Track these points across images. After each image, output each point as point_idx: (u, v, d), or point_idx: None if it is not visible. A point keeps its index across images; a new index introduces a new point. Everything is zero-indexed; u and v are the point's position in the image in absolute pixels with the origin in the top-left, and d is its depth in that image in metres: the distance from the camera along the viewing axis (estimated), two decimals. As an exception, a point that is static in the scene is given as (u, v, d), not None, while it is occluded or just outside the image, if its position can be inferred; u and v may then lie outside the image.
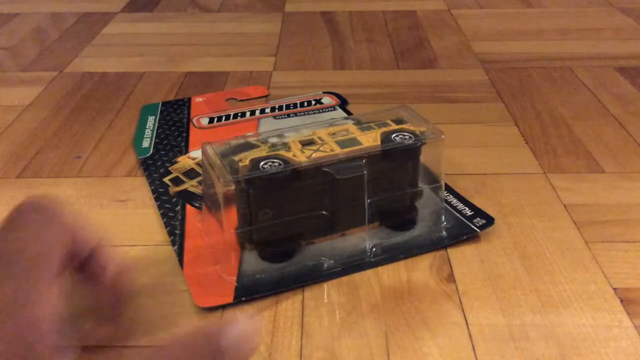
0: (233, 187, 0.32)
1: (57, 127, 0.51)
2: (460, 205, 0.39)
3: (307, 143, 0.34)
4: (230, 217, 0.33)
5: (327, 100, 0.54)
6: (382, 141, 0.34)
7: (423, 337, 0.30)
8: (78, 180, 0.43)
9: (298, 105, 0.53)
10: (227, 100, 0.54)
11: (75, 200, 0.40)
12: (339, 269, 0.34)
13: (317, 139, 0.35)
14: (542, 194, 0.41)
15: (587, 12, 0.76)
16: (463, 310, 0.32)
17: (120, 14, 0.79)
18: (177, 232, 0.37)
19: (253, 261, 0.34)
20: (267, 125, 0.50)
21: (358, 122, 0.37)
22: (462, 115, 0.51)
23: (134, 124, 0.51)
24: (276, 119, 0.50)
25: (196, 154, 0.44)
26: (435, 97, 0.55)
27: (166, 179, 0.42)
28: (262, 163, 0.32)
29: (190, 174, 0.43)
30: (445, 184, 0.38)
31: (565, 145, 0.47)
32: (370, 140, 0.34)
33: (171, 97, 0.55)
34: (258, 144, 0.35)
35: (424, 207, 0.37)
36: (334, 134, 0.35)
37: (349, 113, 0.51)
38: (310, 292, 0.33)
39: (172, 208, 0.39)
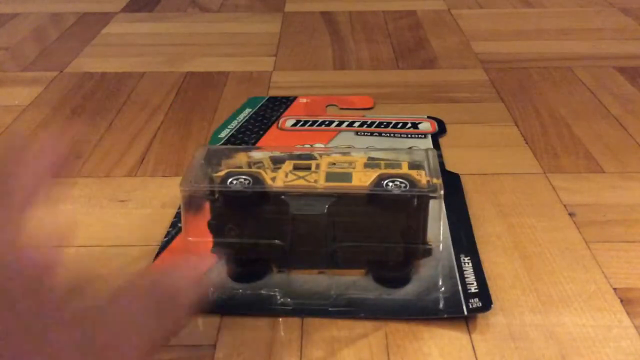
0: (185, 194, 0.31)
1: (57, 127, 0.51)
2: (471, 277, 0.33)
3: (302, 168, 0.32)
4: (189, 222, 0.32)
5: (424, 125, 0.50)
6: (373, 184, 0.31)
7: (423, 337, 0.30)
8: (78, 180, 0.43)
9: (391, 125, 0.49)
10: (327, 106, 0.53)
11: (75, 200, 0.40)
12: (290, 307, 0.32)
13: (315, 165, 0.33)
14: (542, 194, 0.41)
15: (587, 12, 0.76)
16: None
17: (120, 14, 0.79)
18: (171, 231, 0.37)
19: (215, 273, 0.33)
20: (342, 139, 0.47)
21: (372, 159, 0.34)
22: (462, 115, 0.51)
23: (134, 124, 0.51)
24: (357, 135, 0.48)
25: (257, 154, 0.42)
26: (435, 97, 0.55)
27: (216, 175, 0.41)
28: (233, 178, 0.31)
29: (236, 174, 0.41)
30: (471, 247, 0.35)
31: (565, 145, 0.47)
32: (362, 179, 0.31)
33: (171, 98, 0.55)
34: (285, 158, 0.34)
35: (427, 266, 0.33)
36: (334, 163, 0.33)
37: (437, 146, 0.47)
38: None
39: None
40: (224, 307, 0.32)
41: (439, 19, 0.75)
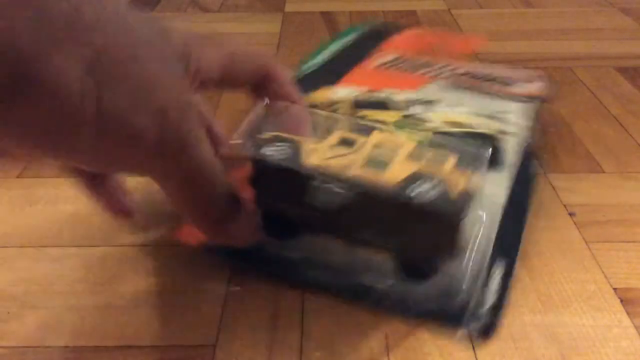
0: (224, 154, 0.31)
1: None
2: (493, 289, 0.32)
3: (347, 141, 0.30)
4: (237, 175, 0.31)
5: (534, 87, 0.43)
6: (403, 181, 0.28)
7: (423, 337, 0.30)
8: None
9: (494, 80, 0.42)
10: (429, 45, 0.48)
11: (75, 200, 0.40)
12: (304, 279, 0.32)
13: (360, 142, 0.30)
14: (542, 194, 0.41)
15: (587, 12, 0.76)
16: (463, 310, 0.32)
17: (120, 14, 0.79)
18: None
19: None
20: (433, 90, 0.41)
21: (431, 142, 0.31)
22: (462, 115, 0.51)
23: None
24: (451, 87, 0.41)
25: (342, 92, 0.38)
26: (435, 97, 0.55)
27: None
28: (272, 145, 0.30)
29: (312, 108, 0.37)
30: (512, 248, 0.34)
31: (565, 145, 0.47)
32: (397, 173, 0.28)
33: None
34: (393, 107, 0.31)
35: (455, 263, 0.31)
36: (379, 145, 0.30)
37: (537, 116, 0.41)
38: (310, 292, 0.33)
39: None
40: (246, 256, 0.32)
41: (439, 19, 0.75)
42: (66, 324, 0.31)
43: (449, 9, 0.78)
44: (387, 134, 0.31)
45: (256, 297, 0.32)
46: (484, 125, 0.33)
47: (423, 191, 0.28)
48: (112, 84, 0.22)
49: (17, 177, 0.43)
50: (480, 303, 0.31)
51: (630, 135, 0.48)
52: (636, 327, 0.30)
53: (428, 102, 0.33)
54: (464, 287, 0.31)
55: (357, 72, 0.43)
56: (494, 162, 0.35)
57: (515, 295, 0.32)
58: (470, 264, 0.31)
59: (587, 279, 0.33)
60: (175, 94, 0.24)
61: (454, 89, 0.41)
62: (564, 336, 0.30)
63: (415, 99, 0.33)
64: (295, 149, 0.30)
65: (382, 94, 0.34)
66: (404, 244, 0.30)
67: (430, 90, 0.41)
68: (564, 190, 0.41)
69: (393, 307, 0.31)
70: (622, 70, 0.59)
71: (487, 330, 0.30)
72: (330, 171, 0.29)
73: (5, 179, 0.43)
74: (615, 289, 0.33)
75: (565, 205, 0.40)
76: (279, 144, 0.30)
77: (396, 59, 0.45)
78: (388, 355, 0.29)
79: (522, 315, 0.31)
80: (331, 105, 0.33)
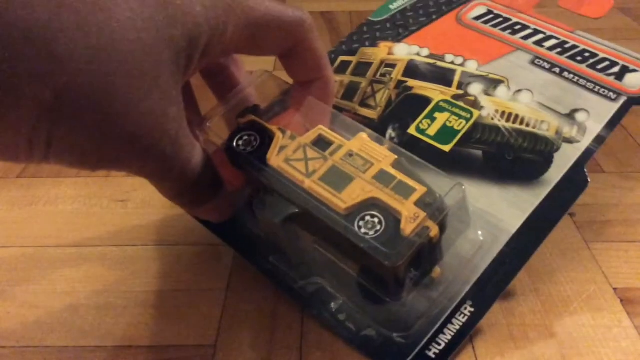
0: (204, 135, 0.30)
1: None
2: (448, 335, 0.28)
3: (323, 141, 0.28)
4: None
5: (634, 79, 0.34)
6: (348, 211, 0.26)
7: (423, 337, 0.30)
8: (78, 180, 0.43)
9: (591, 61, 0.35)
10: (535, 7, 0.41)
11: (75, 200, 0.40)
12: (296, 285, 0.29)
13: (336, 146, 0.28)
14: (542, 194, 0.41)
15: (587, 12, 0.76)
16: (463, 310, 0.32)
17: (120, 14, 0.79)
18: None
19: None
20: (511, 62, 0.34)
21: (399, 163, 0.27)
22: (462, 115, 0.51)
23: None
24: (532, 63, 0.35)
25: (401, 50, 0.34)
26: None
27: (341, 58, 0.35)
28: (244, 134, 0.28)
29: (362, 68, 0.33)
30: (490, 296, 0.29)
31: (565, 145, 0.47)
32: (350, 195, 0.26)
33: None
34: (454, 81, 0.28)
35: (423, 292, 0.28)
36: (351, 155, 0.27)
37: (617, 119, 0.32)
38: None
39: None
40: (237, 239, 0.31)
41: (439, 19, 0.75)
42: (66, 324, 0.31)
43: (449, 9, 0.78)
44: (367, 141, 0.28)
45: (256, 297, 0.32)
46: (542, 125, 0.28)
47: (368, 225, 0.25)
48: (70, 123, 0.20)
49: (17, 177, 0.43)
50: (428, 345, 0.27)
51: (630, 135, 0.48)
52: (636, 327, 0.30)
53: (492, 82, 0.28)
54: (416, 324, 0.27)
55: (436, 26, 0.37)
56: (533, 174, 0.30)
57: (516, 295, 0.32)
58: (440, 297, 0.28)
59: (587, 279, 0.33)
60: (152, 118, 0.22)
61: (534, 66, 0.34)
62: (564, 336, 0.30)
63: (478, 75, 0.29)
64: (265, 142, 0.28)
65: (443, 62, 0.30)
66: (356, 265, 0.28)
67: (503, 64, 0.34)
68: (564, 190, 0.41)
69: (334, 325, 0.29)
70: (622, 70, 0.59)
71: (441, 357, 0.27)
72: (284, 179, 0.27)
73: (6, 179, 0.43)
74: (615, 289, 0.33)
75: (565, 205, 0.40)
76: (251, 132, 0.29)
77: (488, 12, 0.37)
78: (388, 355, 0.29)
79: (522, 315, 0.31)
80: (381, 67, 0.30)
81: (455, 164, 0.30)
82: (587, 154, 0.31)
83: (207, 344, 0.30)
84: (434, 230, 0.25)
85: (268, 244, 0.30)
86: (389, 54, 0.34)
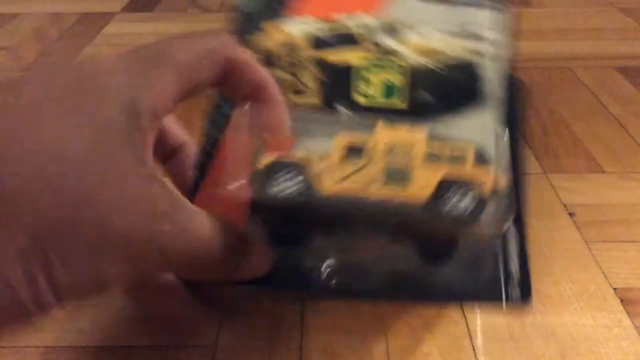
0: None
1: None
2: (514, 257, 0.30)
3: (355, 150, 0.27)
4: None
5: None
6: (432, 196, 0.25)
7: (423, 337, 0.30)
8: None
9: None
10: None
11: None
12: (334, 287, 0.28)
13: (370, 148, 0.27)
14: (542, 194, 0.41)
15: (587, 12, 0.76)
16: (463, 310, 0.32)
17: (120, 14, 0.79)
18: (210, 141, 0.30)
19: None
20: (392, 11, 0.33)
21: (432, 136, 0.27)
22: (462, 115, 0.51)
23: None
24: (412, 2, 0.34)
25: (294, 27, 0.31)
26: (435, 97, 0.55)
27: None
28: (278, 177, 0.26)
29: (265, 59, 0.31)
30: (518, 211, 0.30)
31: (565, 145, 0.47)
32: (422, 184, 0.26)
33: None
34: (361, 39, 0.28)
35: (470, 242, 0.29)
36: (391, 148, 0.27)
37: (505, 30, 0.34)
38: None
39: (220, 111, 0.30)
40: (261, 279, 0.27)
41: (439, 19, 0.75)
42: (65, 324, 0.31)
43: (449, 9, 0.78)
44: (390, 129, 0.27)
45: (256, 297, 0.32)
46: (458, 49, 0.29)
47: (456, 200, 0.25)
48: (51, 259, 0.18)
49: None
50: (507, 269, 0.29)
51: (630, 135, 0.48)
52: (636, 327, 0.30)
53: (393, 29, 0.28)
54: (487, 257, 0.28)
55: None
56: (474, 95, 0.30)
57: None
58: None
59: (587, 279, 0.33)
60: (135, 209, 0.20)
61: (423, 1, 0.34)
62: (564, 336, 0.30)
63: (378, 26, 0.28)
64: (305, 175, 0.26)
65: (345, 25, 0.28)
66: (427, 241, 0.28)
67: (393, 9, 0.33)
68: (564, 190, 0.41)
69: (428, 295, 0.29)
70: (622, 70, 0.59)
71: (526, 295, 0.28)
72: (351, 199, 0.25)
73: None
74: (615, 289, 0.33)
75: (565, 205, 0.40)
76: (284, 173, 0.26)
77: None
78: (388, 355, 0.29)
79: (522, 315, 0.31)
80: (288, 50, 0.28)
81: (418, 114, 0.30)
82: (507, 61, 0.32)
83: (207, 344, 0.30)
84: (503, 178, 0.26)
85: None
86: (281, 33, 0.32)
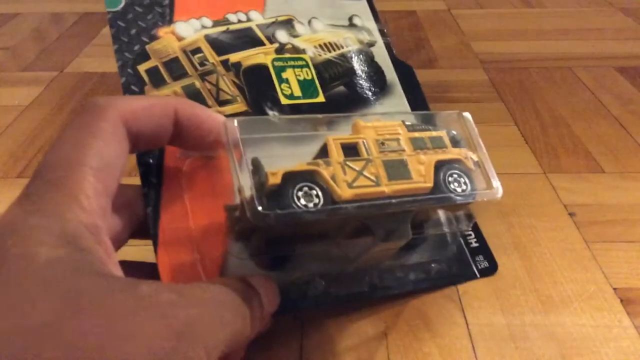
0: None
1: (57, 127, 0.51)
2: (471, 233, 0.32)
3: (349, 148, 0.26)
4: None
5: None
6: (435, 182, 0.26)
7: (423, 337, 0.30)
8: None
9: None
10: None
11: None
12: (331, 296, 0.29)
13: (362, 144, 0.26)
14: (542, 194, 0.41)
15: (587, 12, 0.76)
16: (463, 310, 0.32)
17: (120, 14, 0.79)
18: (153, 180, 0.27)
19: (237, 260, 0.27)
20: (274, 6, 0.32)
21: (411, 126, 0.28)
22: (462, 115, 0.51)
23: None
24: None
25: (185, 29, 0.30)
26: (435, 97, 0.55)
27: (141, 68, 0.29)
28: (297, 189, 0.24)
29: (174, 67, 0.29)
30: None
31: (565, 145, 0.47)
32: (421, 172, 0.26)
33: (171, 97, 0.55)
34: (262, 38, 0.27)
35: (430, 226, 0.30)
36: (383, 143, 0.27)
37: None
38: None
39: None
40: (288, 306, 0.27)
41: (439, 19, 0.75)
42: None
43: (449, 9, 0.78)
44: (365, 121, 0.27)
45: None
46: (348, 41, 0.29)
47: (456, 184, 0.27)
48: None
49: (17, 177, 0.43)
50: (468, 244, 0.32)
51: (630, 135, 0.48)
52: (636, 327, 0.30)
53: (285, 24, 0.27)
54: (447, 236, 0.31)
55: None
56: (380, 83, 0.32)
57: (516, 295, 0.32)
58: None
59: (587, 279, 0.33)
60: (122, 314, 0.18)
61: None
62: (564, 336, 0.30)
63: (271, 22, 0.27)
64: (319, 183, 0.25)
65: (233, 24, 0.27)
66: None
67: (276, 4, 0.32)
68: (564, 190, 0.41)
69: (408, 282, 0.31)
70: (622, 70, 0.59)
71: (491, 264, 0.32)
72: (365, 203, 0.25)
73: (6, 179, 0.43)
74: (615, 289, 0.33)
75: (565, 205, 0.40)
76: (305, 184, 0.25)
77: None
78: (388, 355, 0.29)
79: (522, 315, 0.31)
80: (190, 57, 0.26)
81: (338, 107, 0.30)
82: (390, 47, 0.34)
83: (207, 344, 0.30)
84: (474, 152, 0.28)
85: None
86: (178, 39, 0.30)
